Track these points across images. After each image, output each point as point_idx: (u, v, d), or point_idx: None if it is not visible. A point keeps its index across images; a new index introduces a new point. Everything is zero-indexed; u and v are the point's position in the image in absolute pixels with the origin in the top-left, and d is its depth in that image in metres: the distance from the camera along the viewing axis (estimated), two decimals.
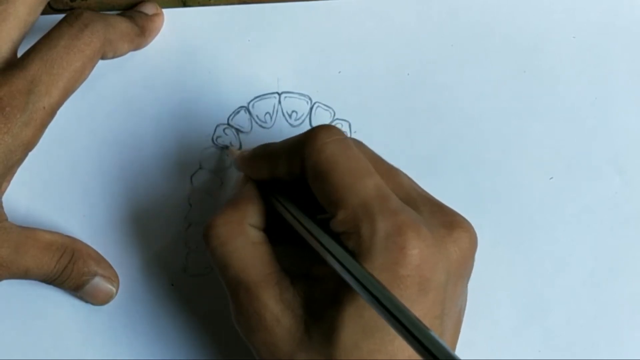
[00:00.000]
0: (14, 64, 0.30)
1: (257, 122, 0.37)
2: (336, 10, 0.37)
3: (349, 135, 0.37)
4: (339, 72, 0.37)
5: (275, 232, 0.31)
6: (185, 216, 0.36)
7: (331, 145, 0.27)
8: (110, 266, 0.36)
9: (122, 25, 0.33)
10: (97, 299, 0.35)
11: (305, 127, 0.37)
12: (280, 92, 0.37)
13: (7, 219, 0.32)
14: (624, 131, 0.37)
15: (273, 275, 0.28)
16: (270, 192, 0.31)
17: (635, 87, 0.37)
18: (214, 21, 0.37)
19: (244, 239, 0.29)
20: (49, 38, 0.30)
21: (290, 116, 0.37)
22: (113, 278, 0.35)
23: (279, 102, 0.37)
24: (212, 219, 0.30)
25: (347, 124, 0.37)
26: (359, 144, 0.30)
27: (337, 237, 0.27)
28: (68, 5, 0.38)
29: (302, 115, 0.37)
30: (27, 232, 0.33)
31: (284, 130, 0.37)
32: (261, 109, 0.37)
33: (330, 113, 0.37)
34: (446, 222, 0.28)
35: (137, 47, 0.35)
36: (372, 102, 0.37)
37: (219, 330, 0.36)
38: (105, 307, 0.36)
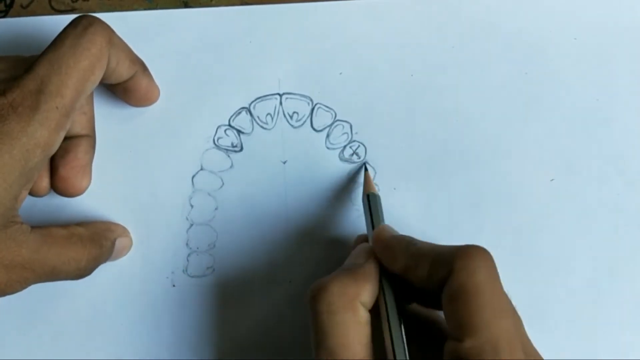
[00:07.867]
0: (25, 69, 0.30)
1: (258, 123, 0.37)
2: (337, 11, 0.37)
3: (350, 136, 0.37)
4: (340, 73, 0.37)
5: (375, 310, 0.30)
6: (187, 217, 0.36)
7: (483, 271, 0.27)
8: (116, 223, 0.36)
9: (125, 44, 0.33)
10: (118, 257, 0.36)
11: (307, 128, 0.37)
12: (281, 93, 0.37)
13: (22, 221, 0.32)
14: (626, 132, 0.37)
15: None
16: (382, 276, 0.30)
17: (637, 88, 0.37)
18: (216, 22, 0.37)
19: (352, 316, 0.29)
20: (55, 40, 0.31)
21: (291, 117, 0.37)
22: (125, 232, 0.36)
23: (280, 103, 0.37)
24: (327, 282, 0.29)
25: (349, 125, 0.37)
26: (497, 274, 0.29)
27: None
28: (69, 6, 0.38)
29: (304, 116, 0.37)
30: (43, 231, 0.32)
31: (285, 131, 0.37)
32: (262, 110, 0.37)
33: (332, 114, 0.37)
34: None
35: (135, 85, 0.35)
36: (373, 103, 0.37)
37: (219, 331, 0.36)
38: (106, 307, 0.36)
